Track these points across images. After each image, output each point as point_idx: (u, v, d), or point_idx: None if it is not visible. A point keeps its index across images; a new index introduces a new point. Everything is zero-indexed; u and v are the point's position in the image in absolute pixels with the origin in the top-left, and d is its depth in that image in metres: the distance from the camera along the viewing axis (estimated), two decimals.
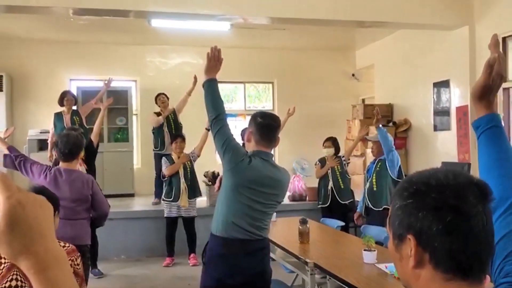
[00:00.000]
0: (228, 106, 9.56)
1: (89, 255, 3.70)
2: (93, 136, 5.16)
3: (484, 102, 1.31)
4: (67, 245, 2.39)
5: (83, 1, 5.45)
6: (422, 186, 0.91)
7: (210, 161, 7.25)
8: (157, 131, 7.18)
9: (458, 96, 6.65)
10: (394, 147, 5.19)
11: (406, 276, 0.95)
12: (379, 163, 5.25)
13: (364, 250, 3.18)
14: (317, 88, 9.33)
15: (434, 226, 0.88)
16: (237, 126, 8.74)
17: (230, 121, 8.68)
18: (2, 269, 2.25)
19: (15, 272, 2.27)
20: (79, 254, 2.43)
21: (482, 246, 0.90)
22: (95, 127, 5.21)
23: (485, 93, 1.30)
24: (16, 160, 3.40)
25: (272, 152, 2.84)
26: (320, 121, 8.80)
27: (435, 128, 7.19)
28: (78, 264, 2.40)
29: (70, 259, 2.36)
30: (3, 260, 2.27)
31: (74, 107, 6.81)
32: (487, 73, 1.30)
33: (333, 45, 9.22)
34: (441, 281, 0.90)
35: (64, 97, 6.65)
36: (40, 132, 7.45)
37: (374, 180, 5.24)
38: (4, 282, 2.24)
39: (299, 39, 8.64)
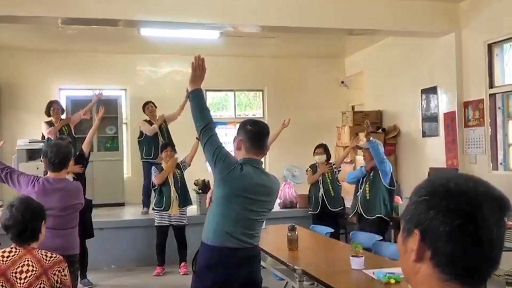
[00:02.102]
0: (218, 114, 9.60)
1: (78, 265, 3.68)
2: (85, 146, 5.12)
3: None
4: (54, 255, 2.39)
5: (71, 11, 5.45)
6: (440, 187, 0.93)
7: (201, 169, 7.24)
8: (151, 139, 7.15)
9: (445, 102, 6.72)
10: (385, 157, 5.24)
11: (407, 269, 0.97)
12: (372, 171, 5.29)
13: (352, 256, 3.20)
14: (307, 95, 9.38)
15: (441, 227, 0.89)
16: (227, 134, 8.76)
17: (221, 129, 8.83)
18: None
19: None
20: (66, 264, 2.43)
21: (485, 258, 0.90)
22: (88, 137, 5.17)
23: None
24: (3, 172, 3.37)
25: (262, 160, 2.85)
26: (310, 128, 8.84)
27: (424, 134, 7.25)
28: (65, 275, 2.39)
29: (57, 270, 2.35)
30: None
31: (63, 116, 6.79)
32: None
33: (323, 53, 9.29)
34: (438, 280, 0.91)
35: (51, 107, 6.64)
36: (29, 142, 7.40)
37: (367, 189, 5.27)
38: None
39: (289, 47, 8.70)
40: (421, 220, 0.92)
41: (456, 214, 0.89)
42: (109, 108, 7.95)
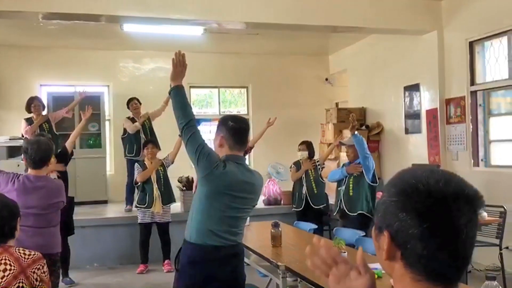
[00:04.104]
0: (203, 111, 9.57)
1: (59, 263, 3.63)
2: (69, 144, 5.03)
3: None
4: (32, 253, 2.35)
5: (52, 5, 5.36)
6: (409, 187, 0.91)
7: (185, 166, 7.18)
8: (133, 137, 7.09)
9: (428, 100, 6.80)
10: (369, 153, 5.26)
11: (383, 265, 0.97)
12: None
13: None
14: (291, 92, 9.40)
15: (410, 229, 0.88)
16: (211, 131, 8.74)
17: (205, 126, 8.79)
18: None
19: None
20: (45, 261, 2.39)
21: (455, 258, 0.89)
22: (72, 136, 5.07)
23: None
24: None
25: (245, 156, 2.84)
26: (295, 125, 8.86)
27: (407, 131, 7.32)
28: (44, 272, 2.36)
29: (36, 267, 2.32)
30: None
31: (44, 113, 6.69)
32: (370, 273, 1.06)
33: (307, 50, 9.31)
34: (411, 280, 0.91)
35: (31, 103, 6.53)
36: (10, 139, 7.26)
37: (350, 185, 5.28)
38: None
39: (273, 44, 8.69)
40: (390, 222, 0.91)
41: (424, 216, 0.88)
42: (92, 104, 7.75)
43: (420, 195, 0.89)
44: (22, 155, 3.56)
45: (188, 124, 2.54)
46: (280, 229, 3.92)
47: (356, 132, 5.17)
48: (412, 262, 0.90)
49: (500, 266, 4.97)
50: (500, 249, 5.00)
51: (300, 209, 6.15)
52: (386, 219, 0.93)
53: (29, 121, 6.59)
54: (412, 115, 7.17)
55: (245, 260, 3.06)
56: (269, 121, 6.36)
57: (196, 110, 9.40)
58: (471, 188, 0.92)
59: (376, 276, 2.83)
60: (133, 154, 7.06)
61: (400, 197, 0.91)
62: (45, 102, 7.18)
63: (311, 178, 6.17)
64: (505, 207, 5.07)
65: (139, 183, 6.05)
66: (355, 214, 5.18)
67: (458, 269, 0.91)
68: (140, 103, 7.26)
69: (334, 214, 5.61)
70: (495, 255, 4.99)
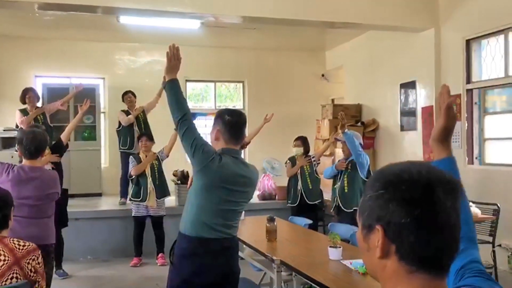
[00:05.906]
0: (198, 105, 9.54)
1: (53, 254, 3.61)
2: (64, 136, 4.97)
3: (446, 144, 1.33)
4: (27, 243, 2.34)
5: None
6: (394, 178, 0.92)
7: (180, 160, 7.18)
8: (127, 130, 7.11)
9: (423, 97, 6.81)
10: (362, 150, 5.25)
11: (373, 266, 0.96)
12: (349, 164, 5.31)
13: (330, 247, 3.22)
14: (287, 88, 9.39)
15: (402, 219, 0.88)
16: (207, 125, 8.72)
17: (200, 121, 8.76)
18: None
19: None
20: (40, 252, 2.38)
21: (448, 242, 0.91)
22: (68, 128, 5.01)
23: (446, 135, 1.33)
24: None
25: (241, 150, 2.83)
26: (290, 121, 8.85)
27: (402, 128, 7.34)
28: (39, 263, 2.35)
29: (31, 258, 2.31)
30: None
31: (38, 104, 6.64)
32: (447, 115, 1.33)
33: (304, 46, 9.30)
34: (404, 272, 0.91)
35: (26, 94, 6.47)
36: (4, 130, 7.23)
37: (345, 181, 5.29)
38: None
39: (270, 39, 8.67)
40: (381, 215, 0.91)
41: (414, 204, 0.89)
42: (87, 97, 7.74)
43: (407, 184, 0.90)
44: (16, 145, 3.53)
45: (183, 118, 2.54)
46: (275, 223, 3.92)
47: (346, 130, 5.17)
48: (405, 254, 0.90)
49: (492, 264, 5.00)
50: (493, 247, 5.03)
51: (295, 204, 6.15)
52: (375, 214, 0.92)
53: (24, 112, 6.54)
54: (408, 112, 7.18)
55: (239, 254, 3.06)
56: (266, 118, 6.36)
57: (191, 104, 9.40)
58: (449, 174, 0.94)
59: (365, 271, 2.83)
60: (127, 147, 7.07)
61: (387, 189, 0.91)
62: (40, 94, 7.13)
63: (307, 174, 6.17)
64: (498, 205, 5.09)
65: (133, 176, 6.03)
66: (350, 210, 5.19)
67: (450, 255, 0.93)
68: (135, 96, 7.25)
69: (331, 210, 5.62)
70: (487, 253, 5.02)
